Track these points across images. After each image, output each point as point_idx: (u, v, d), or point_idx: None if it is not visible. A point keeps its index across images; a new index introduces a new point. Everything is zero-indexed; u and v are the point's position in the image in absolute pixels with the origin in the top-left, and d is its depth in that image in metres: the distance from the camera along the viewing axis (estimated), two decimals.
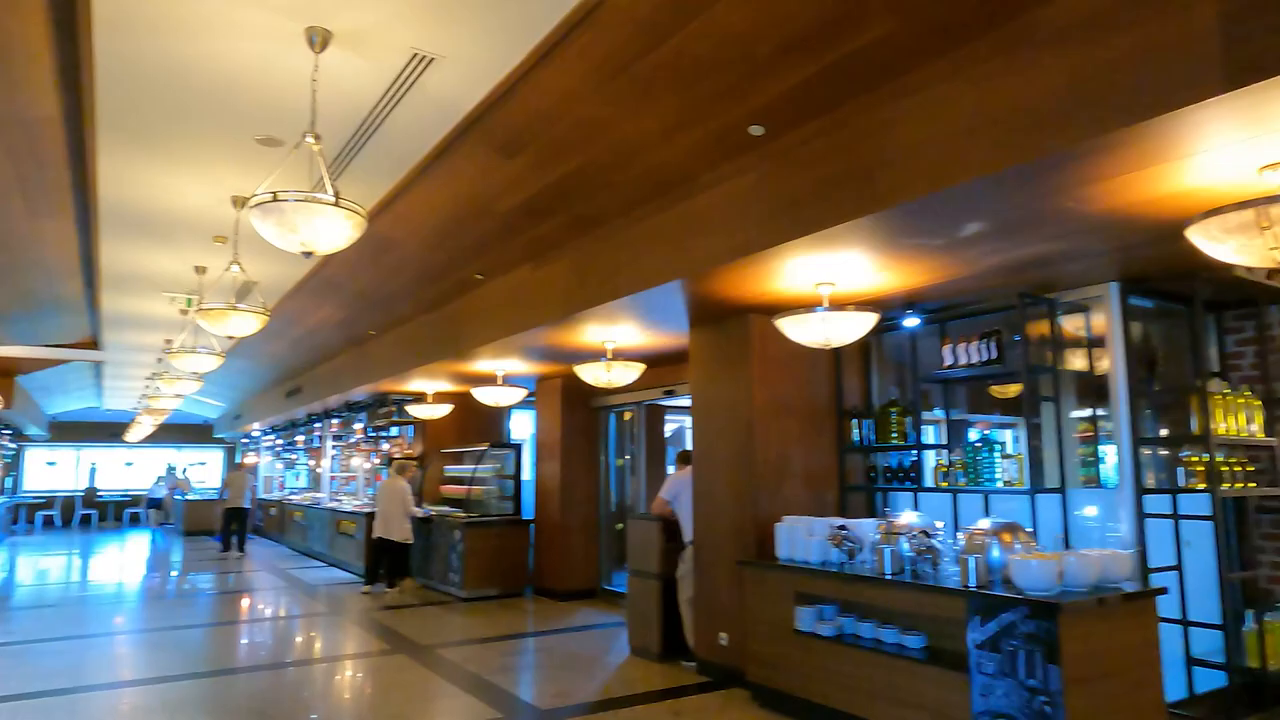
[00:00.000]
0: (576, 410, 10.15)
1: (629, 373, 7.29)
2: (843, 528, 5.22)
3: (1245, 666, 4.92)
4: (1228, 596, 4.83)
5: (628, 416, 10.22)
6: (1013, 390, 5.64)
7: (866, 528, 5.23)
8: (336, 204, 3.41)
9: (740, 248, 4.66)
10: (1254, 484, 5.14)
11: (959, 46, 3.40)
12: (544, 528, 10.26)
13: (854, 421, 6.29)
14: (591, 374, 7.29)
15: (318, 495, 16.34)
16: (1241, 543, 5.40)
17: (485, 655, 7.18)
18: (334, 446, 16.28)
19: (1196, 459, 5.00)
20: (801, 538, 5.42)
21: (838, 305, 5.05)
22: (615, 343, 7.31)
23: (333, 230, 3.46)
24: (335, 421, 15.34)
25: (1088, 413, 5.37)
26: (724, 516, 6.21)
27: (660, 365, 8.36)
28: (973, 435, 6.44)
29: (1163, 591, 4.45)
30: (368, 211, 3.55)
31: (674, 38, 3.54)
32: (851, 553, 5.14)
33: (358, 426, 13.95)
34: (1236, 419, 5.06)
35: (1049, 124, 3.14)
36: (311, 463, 18.14)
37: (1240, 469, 5.07)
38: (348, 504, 13.71)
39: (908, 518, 5.05)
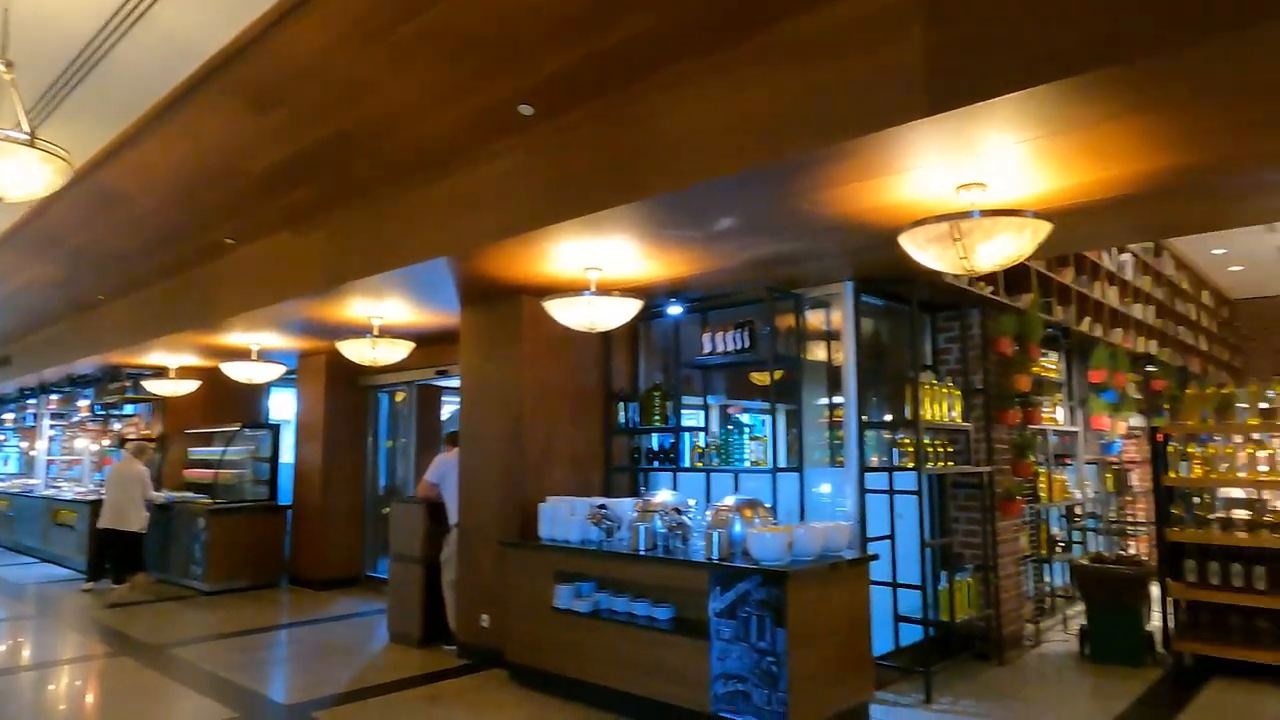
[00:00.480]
0: (343, 389, 9.62)
1: (396, 351, 7.02)
2: (602, 507, 5.37)
3: (939, 620, 5.68)
4: (927, 560, 5.55)
5: (399, 397, 9.84)
6: (775, 377, 6.07)
7: (625, 506, 5.42)
8: (32, 144, 2.96)
9: (509, 227, 4.63)
10: (952, 463, 5.93)
11: (717, 49, 3.57)
12: (303, 513, 9.65)
13: (620, 404, 6.49)
14: (355, 351, 6.93)
15: (31, 482, 14.22)
16: (942, 514, 6.22)
17: (227, 652, 6.64)
18: (53, 426, 14.25)
19: (908, 441, 5.68)
20: (564, 517, 5.51)
21: (605, 290, 5.17)
22: (383, 319, 7.00)
23: (26, 175, 3.00)
24: (54, 397, 13.43)
25: (829, 400, 5.93)
26: (490, 498, 6.18)
27: (434, 344, 8.12)
28: (724, 418, 6.87)
29: (875, 558, 5.02)
30: (90, 158, 3.12)
31: (438, 5, 3.43)
32: (610, 531, 5.30)
33: (83, 404, 12.31)
34: (941, 406, 5.80)
35: (790, 130, 3.40)
36: (24, 444, 15.76)
37: (943, 450, 5.82)
38: (68, 491, 12.06)
39: (663, 496, 5.30)
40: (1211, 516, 6.13)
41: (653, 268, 5.26)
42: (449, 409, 10.41)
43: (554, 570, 5.41)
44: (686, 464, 6.15)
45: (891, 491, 5.63)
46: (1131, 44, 2.58)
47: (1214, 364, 12.16)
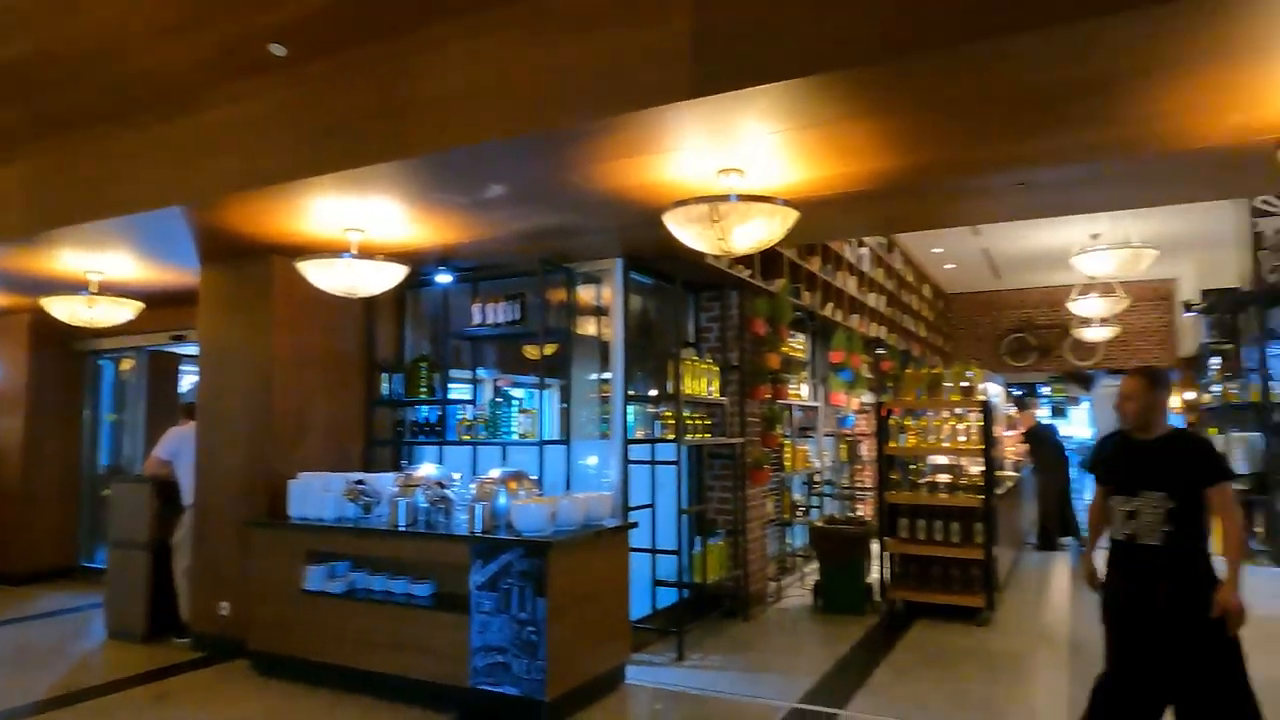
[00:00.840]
0: (53, 354, 8.34)
1: (120, 311, 6.18)
2: (360, 482, 5.11)
3: (694, 582, 6.03)
4: (684, 527, 5.86)
5: (126, 365, 8.70)
6: (546, 350, 6.07)
7: (385, 481, 5.20)
8: None
9: (258, 177, 4.22)
10: (709, 435, 6.29)
11: (488, 9, 3.45)
12: None
13: (384, 375, 6.19)
14: (67, 310, 6.01)
15: None
16: (699, 483, 6.60)
17: None
18: None
19: (670, 414, 5.93)
20: (317, 494, 5.17)
21: (367, 254, 4.88)
22: (104, 274, 6.12)
23: None
24: None
25: (600, 374, 6.03)
26: (233, 475, 5.65)
27: (169, 306, 7.24)
28: (494, 391, 6.79)
29: (635, 526, 5.22)
30: None
31: None
32: (368, 507, 5.07)
33: None
34: (701, 382, 6.13)
35: (560, 101, 3.38)
36: None
37: (701, 423, 6.15)
38: None
39: (426, 470, 5.15)
40: (921, 481, 7.03)
41: (420, 232, 5.05)
42: (190, 379, 9.38)
43: (305, 550, 5.07)
44: (453, 437, 6.00)
45: (653, 462, 5.87)
46: (869, 50, 2.83)
47: (931, 349, 13.91)
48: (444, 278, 6.03)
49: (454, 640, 4.47)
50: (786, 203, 3.81)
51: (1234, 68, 2.85)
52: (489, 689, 4.36)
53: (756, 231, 3.76)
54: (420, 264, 5.70)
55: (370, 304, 6.11)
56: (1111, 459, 3.62)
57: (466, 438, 5.89)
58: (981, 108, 3.24)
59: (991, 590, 6.48)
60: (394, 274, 4.94)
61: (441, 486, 4.89)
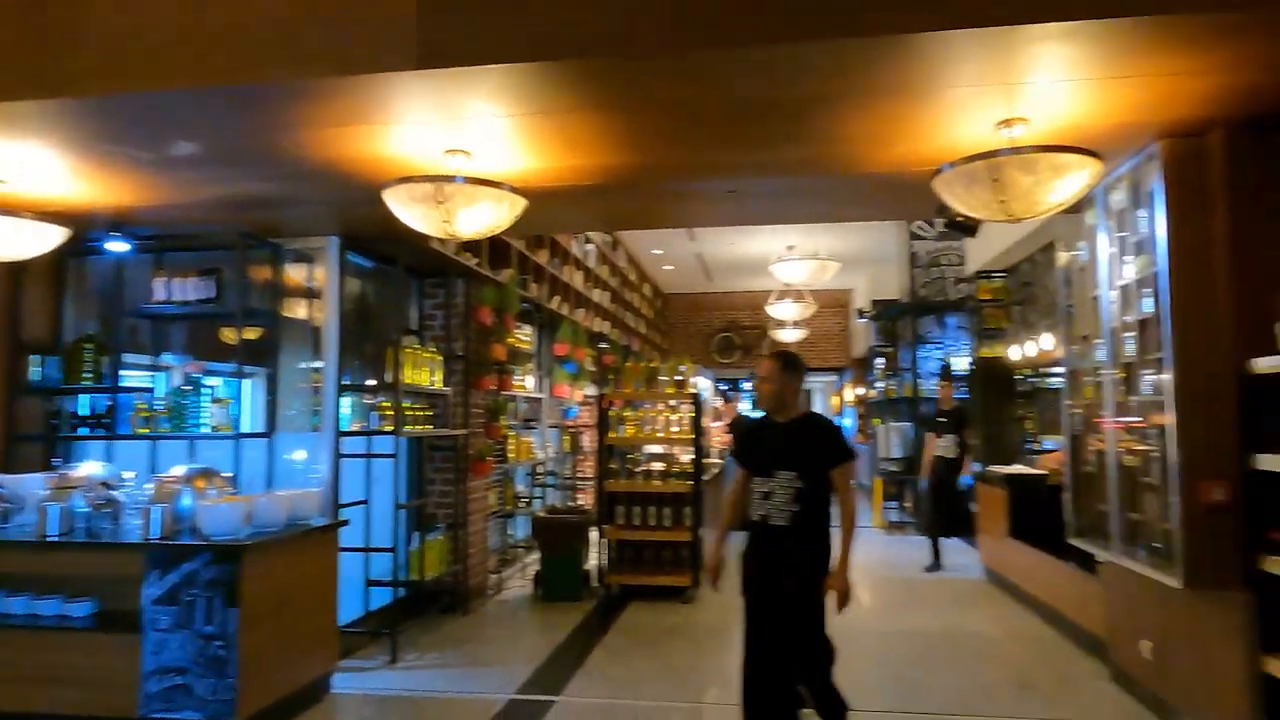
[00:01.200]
0: None
1: None
2: None
3: (411, 580, 5.78)
4: (401, 522, 5.60)
5: None
6: (245, 335, 5.43)
7: (32, 484, 4.37)
8: None
9: None
10: (430, 426, 6.07)
11: None
12: None
13: (35, 358, 5.19)
14: None
15: None
16: (419, 476, 6.35)
17: None
18: None
19: (388, 405, 5.63)
20: None
21: (10, 210, 4.05)
22: None
23: None
24: None
25: (311, 362, 5.54)
26: None
27: None
28: (183, 378, 6.00)
29: (345, 524, 4.88)
30: None
31: None
32: (5, 514, 4.22)
33: None
34: (423, 371, 5.89)
35: (267, 53, 3.02)
36: None
37: (421, 414, 5.92)
38: None
39: (89, 469, 4.41)
40: (638, 469, 7.37)
41: (87, 190, 4.29)
42: None
43: None
44: (126, 430, 5.18)
45: (369, 456, 5.54)
46: (597, 41, 2.86)
47: (649, 344, 14.68)
48: (118, 245, 5.17)
49: (121, 665, 3.86)
50: (515, 190, 3.76)
51: (896, 104, 3.28)
52: (165, 717, 3.82)
53: (483, 216, 3.68)
54: (87, 227, 4.85)
55: (15, 272, 5.08)
56: (752, 442, 3.74)
57: (144, 431, 5.11)
58: (699, 114, 3.43)
59: (698, 570, 6.97)
60: (48, 236, 4.16)
61: (108, 487, 4.20)
